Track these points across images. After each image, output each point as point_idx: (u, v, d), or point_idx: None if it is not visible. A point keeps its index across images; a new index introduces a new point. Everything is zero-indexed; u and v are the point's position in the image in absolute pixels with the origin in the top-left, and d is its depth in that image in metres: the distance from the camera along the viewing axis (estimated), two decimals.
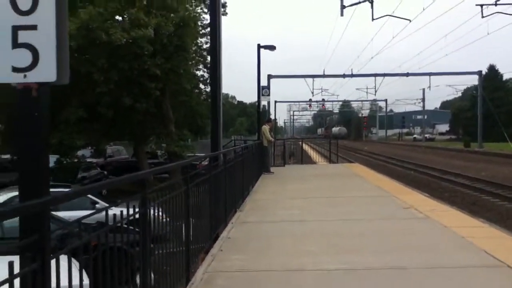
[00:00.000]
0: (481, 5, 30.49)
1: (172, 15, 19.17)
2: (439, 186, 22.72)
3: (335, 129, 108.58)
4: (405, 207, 9.00)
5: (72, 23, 15.26)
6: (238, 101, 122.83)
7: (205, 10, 24.29)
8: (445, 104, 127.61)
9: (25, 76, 2.39)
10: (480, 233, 6.67)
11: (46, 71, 2.39)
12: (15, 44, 2.38)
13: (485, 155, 42.96)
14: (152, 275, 3.75)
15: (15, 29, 2.38)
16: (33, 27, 2.38)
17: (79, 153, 22.08)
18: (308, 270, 5.13)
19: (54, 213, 8.28)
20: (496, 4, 29.77)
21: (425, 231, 6.96)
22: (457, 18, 38.56)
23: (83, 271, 2.48)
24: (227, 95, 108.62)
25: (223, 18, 12.94)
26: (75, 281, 2.28)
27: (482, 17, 30.34)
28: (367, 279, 4.82)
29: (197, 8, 24.00)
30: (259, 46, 20.55)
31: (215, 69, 10.95)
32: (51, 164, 26.29)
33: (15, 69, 2.38)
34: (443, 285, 4.57)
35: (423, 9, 29.28)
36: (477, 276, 4.87)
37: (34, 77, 2.38)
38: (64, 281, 2.14)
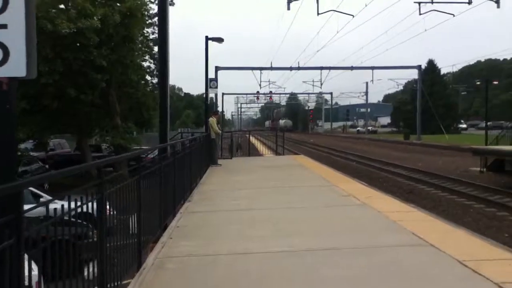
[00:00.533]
0: (419, 3, 32.04)
1: (118, 4, 18.96)
2: (379, 176, 23.83)
3: (281, 122, 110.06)
4: (344, 195, 9.61)
5: None
6: (185, 93, 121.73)
7: (152, 0, 24.17)
8: (387, 98, 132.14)
9: None
10: (409, 217, 7.33)
11: (16, 67, 2.63)
12: None
13: (422, 147, 45.10)
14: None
15: None
16: (4, 26, 2.60)
17: (21, 146, 21.46)
18: (253, 253, 5.54)
19: None
20: (432, 2, 31.39)
21: (360, 216, 7.55)
22: (397, 15, 40.26)
23: (32, 262, 2.62)
24: (173, 86, 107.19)
25: (170, 8, 13.00)
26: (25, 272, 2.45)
27: (420, 14, 31.90)
28: (306, 258, 5.29)
29: None
30: (207, 38, 20.70)
31: (163, 61, 11.09)
32: None
33: None
34: (371, 261, 5.10)
35: (366, 5, 30.42)
36: (402, 253, 5.45)
37: (4, 72, 2.61)
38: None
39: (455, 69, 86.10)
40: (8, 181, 2.51)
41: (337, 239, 6.08)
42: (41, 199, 11.99)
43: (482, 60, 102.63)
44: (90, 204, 3.52)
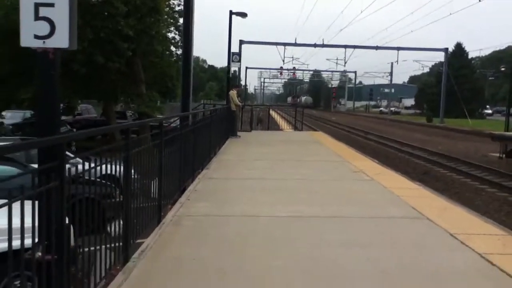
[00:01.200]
0: None
1: None
2: (396, 156, 24.08)
3: (301, 98, 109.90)
4: (355, 171, 10.03)
5: None
6: (209, 65, 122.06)
7: None
8: (413, 79, 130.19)
9: (44, 42, 3.11)
10: (413, 194, 7.73)
11: (60, 39, 3.11)
12: (37, 17, 3.09)
13: (444, 130, 44.80)
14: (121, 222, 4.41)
15: (37, 5, 3.08)
16: (51, 5, 3.08)
17: None
18: (262, 216, 6.04)
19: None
20: None
21: (368, 190, 7.98)
22: None
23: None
24: (197, 58, 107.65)
25: None
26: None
27: None
28: (311, 223, 5.78)
29: None
30: (231, 13, 21.00)
31: (187, 32, 11.53)
32: (19, 120, 26.36)
33: (36, 37, 3.10)
34: (370, 229, 5.57)
35: None
36: (400, 224, 5.89)
37: (51, 43, 3.10)
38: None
39: (484, 53, 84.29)
40: (51, 134, 3.02)
41: (341, 209, 6.55)
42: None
43: None
44: (115, 166, 3.93)
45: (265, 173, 9.55)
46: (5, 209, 2.31)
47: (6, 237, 2.33)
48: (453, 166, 19.92)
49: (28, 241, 2.56)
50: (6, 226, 2.32)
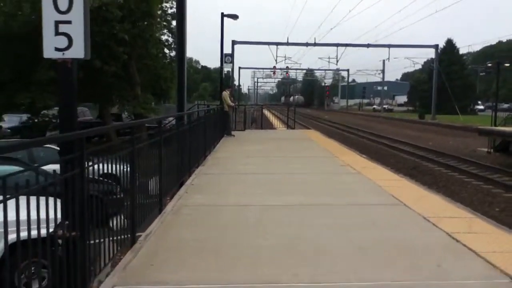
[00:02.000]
0: None
1: None
2: (387, 152, 24.67)
3: (293, 97, 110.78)
4: (342, 164, 10.64)
5: None
6: (202, 65, 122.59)
7: None
8: (405, 76, 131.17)
9: (63, 54, 3.68)
10: (394, 184, 8.34)
11: (77, 51, 3.69)
12: (57, 33, 3.66)
13: (436, 126, 45.47)
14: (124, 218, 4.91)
15: (56, 23, 3.66)
16: (69, 22, 3.66)
17: (49, 113, 22.84)
18: (254, 205, 6.63)
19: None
20: None
21: (352, 182, 8.59)
22: None
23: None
24: (191, 59, 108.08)
25: None
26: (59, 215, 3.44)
27: None
28: (297, 210, 6.38)
29: None
30: (222, 15, 21.57)
31: (181, 36, 12.08)
32: (16, 123, 26.80)
33: (57, 49, 3.68)
34: (351, 214, 6.17)
35: None
36: (378, 210, 6.50)
37: (69, 54, 3.67)
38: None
39: (474, 49, 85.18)
40: (71, 131, 3.59)
41: (326, 198, 7.15)
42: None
43: (504, 40, 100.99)
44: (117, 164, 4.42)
45: (257, 168, 10.15)
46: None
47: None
48: (441, 161, 20.49)
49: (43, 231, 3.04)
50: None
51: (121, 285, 3.69)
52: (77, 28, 3.65)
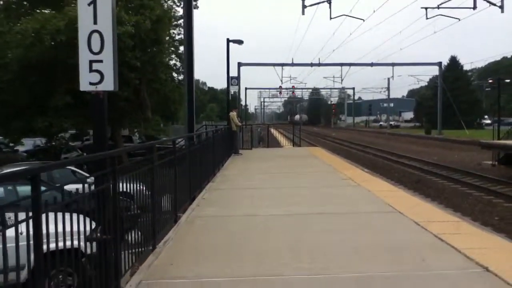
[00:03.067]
0: (426, 8, 33.67)
1: (148, 12, 20.97)
2: (391, 167, 25.19)
3: (297, 116, 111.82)
4: (344, 178, 11.29)
5: (60, 20, 17.03)
6: (209, 87, 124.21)
7: (177, 2, 26.13)
8: (411, 93, 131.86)
9: (96, 87, 4.44)
10: (392, 195, 8.96)
11: (108, 85, 4.44)
12: (91, 70, 4.43)
13: (442, 141, 45.75)
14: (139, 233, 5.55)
15: (91, 62, 4.43)
16: (100, 61, 4.42)
17: (65, 135, 23.86)
18: (260, 215, 7.31)
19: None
20: (438, 7, 32.89)
21: (352, 193, 9.23)
22: (405, 19, 41.66)
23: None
24: (197, 81, 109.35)
25: (194, 11, 14.74)
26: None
27: (427, 18, 33.47)
28: (300, 218, 7.04)
29: (169, 1, 25.80)
30: (228, 41, 22.56)
31: (190, 66, 12.95)
32: (30, 147, 27.73)
33: (91, 84, 4.44)
34: (349, 220, 6.83)
35: (374, 11, 32.38)
36: (375, 216, 7.15)
37: (101, 87, 4.43)
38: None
39: (477, 65, 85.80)
40: (103, 150, 4.32)
41: (327, 208, 7.81)
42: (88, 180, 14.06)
43: (508, 56, 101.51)
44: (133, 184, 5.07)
45: (263, 184, 10.83)
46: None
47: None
48: (445, 174, 20.96)
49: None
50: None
51: (147, 280, 4.37)
52: (107, 66, 4.41)
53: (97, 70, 4.40)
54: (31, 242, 2.79)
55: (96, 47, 4.39)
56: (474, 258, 4.93)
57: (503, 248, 5.46)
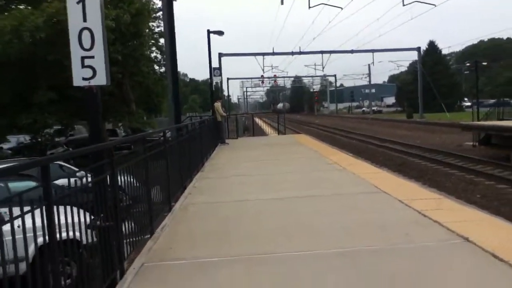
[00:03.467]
0: None
1: (127, 5, 20.93)
2: (376, 151, 25.58)
3: (280, 105, 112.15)
4: (330, 163, 11.58)
5: (39, 16, 16.91)
6: (190, 78, 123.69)
7: None
8: (392, 78, 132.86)
9: (89, 82, 4.61)
10: (376, 176, 9.28)
11: (100, 79, 4.62)
12: (83, 66, 4.60)
13: (424, 125, 46.35)
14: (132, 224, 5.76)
15: (83, 58, 4.60)
16: (92, 57, 4.60)
17: (50, 131, 23.70)
18: (250, 200, 7.56)
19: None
20: None
21: (338, 177, 9.54)
22: (383, 5, 42.23)
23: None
24: (179, 73, 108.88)
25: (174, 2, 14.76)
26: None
27: (403, 5, 33.93)
28: (289, 202, 7.30)
29: None
30: (208, 32, 22.67)
31: (173, 58, 13.09)
32: (14, 144, 27.50)
33: (84, 79, 4.62)
34: (336, 202, 7.12)
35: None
36: (360, 197, 7.45)
37: (94, 82, 4.61)
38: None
39: (455, 49, 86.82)
40: (99, 142, 4.51)
41: (313, 191, 8.08)
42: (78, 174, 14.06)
43: (485, 39, 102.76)
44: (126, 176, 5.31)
45: (251, 171, 11.07)
46: None
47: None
48: (428, 156, 21.42)
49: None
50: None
51: (149, 262, 4.60)
52: (99, 61, 4.58)
53: (89, 66, 4.57)
54: (39, 232, 2.86)
55: (87, 43, 4.56)
56: (455, 230, 5.23)
57: (483, 220, 5.80)
